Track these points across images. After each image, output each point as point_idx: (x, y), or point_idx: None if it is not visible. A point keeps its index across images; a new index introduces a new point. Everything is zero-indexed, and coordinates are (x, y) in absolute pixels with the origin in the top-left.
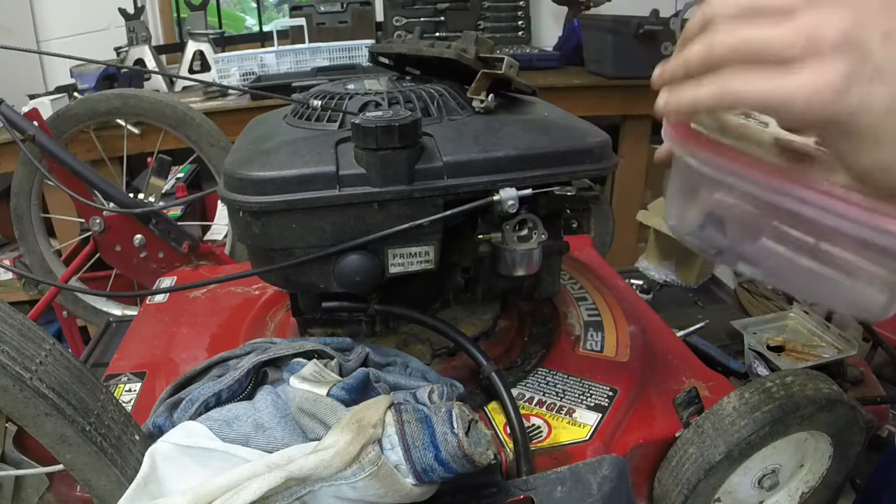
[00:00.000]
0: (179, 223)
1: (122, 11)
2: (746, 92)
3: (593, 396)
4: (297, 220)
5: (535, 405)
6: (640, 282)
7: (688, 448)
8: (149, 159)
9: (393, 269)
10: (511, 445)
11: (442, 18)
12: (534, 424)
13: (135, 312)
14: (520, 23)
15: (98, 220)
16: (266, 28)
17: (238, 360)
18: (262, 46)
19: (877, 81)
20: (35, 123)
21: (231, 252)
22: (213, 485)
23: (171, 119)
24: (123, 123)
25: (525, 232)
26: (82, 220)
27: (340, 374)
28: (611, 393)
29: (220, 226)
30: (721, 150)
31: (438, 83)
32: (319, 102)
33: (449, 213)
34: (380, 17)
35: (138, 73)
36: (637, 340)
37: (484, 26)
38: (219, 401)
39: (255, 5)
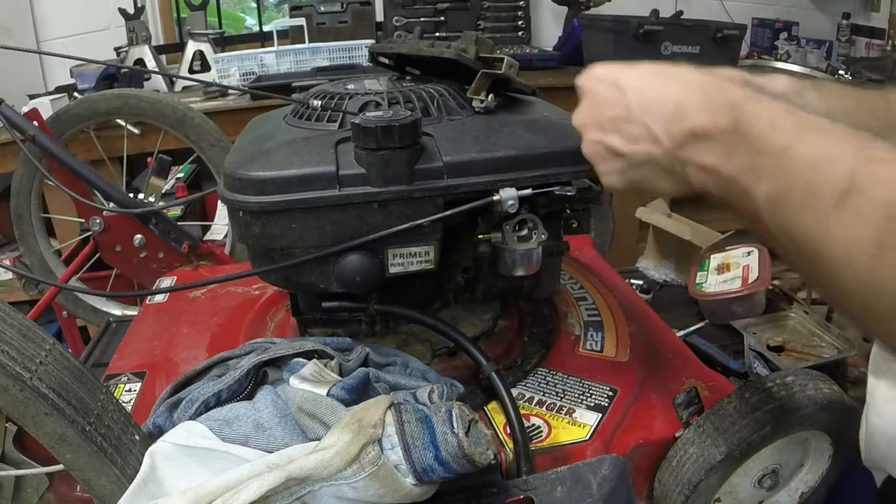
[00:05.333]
0: (179, 223)
1: (122, 11)
2: None
3: (593, 396)
4: (297, 220)
5: (535, 405)
6: (640, 282)
7: (689, 448)
8: (149, 159)
9: (393, 269)
10: (511, 445)
11: (442, 18)
12: (534, 424)
13: (135, 312)
14: (520, 23)
15: (98, 220)
16: (266, 28)
17: (238, 360)
18: (262, 46)
19: None
20: (35, 123)
21: (231, 252)
22: (213, 485)
23: (171, 119)
24: (123, 123)
25: (525, 232)
26: (82, 220)
27: (340, 374)
28: (611, 393)
29: (220, 226)
30: None
31: (438, 83)
32: (319, 102)
33: (449, 213)
34: (380, 17)
35: (138, 73)
36: (637, 340)
37: (484, 26)
38: (219, 401)
39: (255, 5)
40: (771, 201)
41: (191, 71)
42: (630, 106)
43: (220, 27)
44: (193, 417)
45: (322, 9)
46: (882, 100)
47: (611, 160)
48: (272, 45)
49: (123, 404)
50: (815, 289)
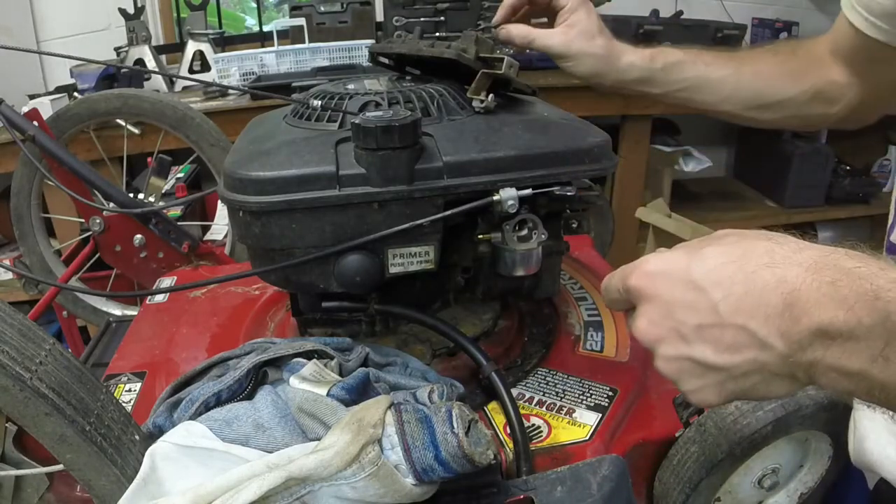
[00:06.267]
0: (179, 223)
1: (122, 11)
2: None
3: (593, 396)
4: (297, 220)
5: (535, 405)
6: None
7: (690, 446)
8: (149, 159)
9: (393, 269)
10: (511, 445)
11: (442, 18)
12: (534, 424)
13: (135, 312)
14: None
15: (98, 220)
16: (266, 28)
17: (238, 360)
18: (262, 46)
19: None
20: (35, 123)
21: (231, 252)
22: (213, 485)
23: (171, 119)
24: (123, 123)
25: (525, 232)
26: (82, 220)
27: (340, 374)
28: (611, 393)
29: (220, 226)
30: None
31: (438, 83)
32: (319, 102)
33: (449, 213)
34: (380, 17)
35: (138, 73)
36: (637, 340)
37: (484, 26)
38: (219, 401)
39: (255, 5)
40: None
41: (191, 71)
42: (717, 307)
43: (220, 27)
44: (193, 417)
45: (322, 9)
46: (770, 52)
47: (703, 375)
48: (272, 45)
49: (123, 404)
50: None
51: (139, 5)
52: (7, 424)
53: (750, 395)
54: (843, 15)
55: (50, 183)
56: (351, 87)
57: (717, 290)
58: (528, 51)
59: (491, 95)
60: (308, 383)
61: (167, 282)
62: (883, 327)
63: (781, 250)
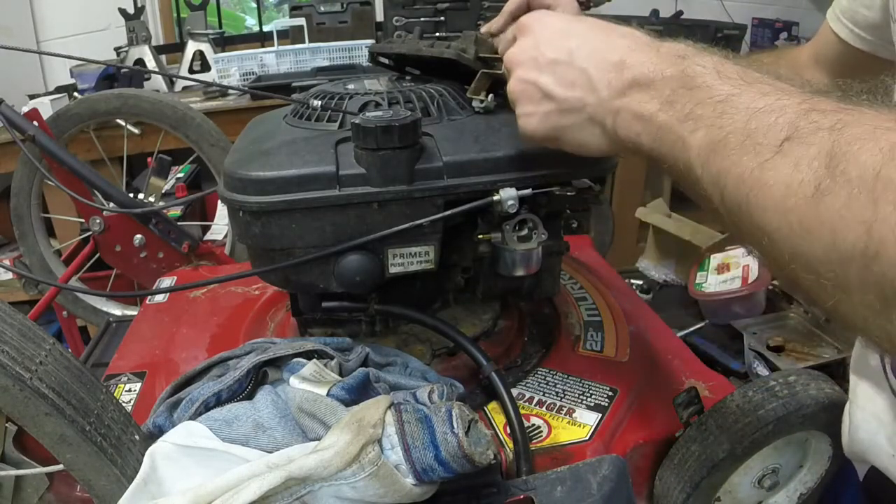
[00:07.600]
0: (179, 223)
1: (122, 11)
2: None
3: (593, 396)
4: (297, 220)
5: (535, 405)
6: (640, 282)
7: (691, 445)
8: (149, 159)
9: (393, 269)
10: (511, 445)
11: (442, 18)
12: (534, 424)
13: (135, 312)
14: None
15: (98, 220)
16: (266, 28)
17: (238, 360)
18: (262, 46)
19: None
20: (35, 123)
21: (231, 252)
22: (213, 485)
23: (171, 119)
24: (123, 123)
25: (525, 232)
26: (82, 220)
27: (340, 374)
28: (611, 393)
29: (220, 226)
30: None
31: (438, 83)
32: (319, 102)
33: (449, 213)
34: (380, 17)
35: (138, 73)
36: (637, 340)
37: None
38: (219, 401)
39: (255, 5)
40: (706, 148)
41: (191, 71)
42: (573, 51)
43: (220, 27)
44: (193, 417)
45: (322, 9)
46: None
47: (538, 101)
48: (272, 45)
49: (123, 404)
50: (738, 238)
51: (139, 5)
52: (7, 424)
53: (564, 134)
54: (826, 25)
55: (50, 183)
56: (351, 87)
57: (578, 38)
58: None
59: (491, 95)
60: (308, 383)
61: (167, 282)
62: (678, 80)
63: (638, 32)
